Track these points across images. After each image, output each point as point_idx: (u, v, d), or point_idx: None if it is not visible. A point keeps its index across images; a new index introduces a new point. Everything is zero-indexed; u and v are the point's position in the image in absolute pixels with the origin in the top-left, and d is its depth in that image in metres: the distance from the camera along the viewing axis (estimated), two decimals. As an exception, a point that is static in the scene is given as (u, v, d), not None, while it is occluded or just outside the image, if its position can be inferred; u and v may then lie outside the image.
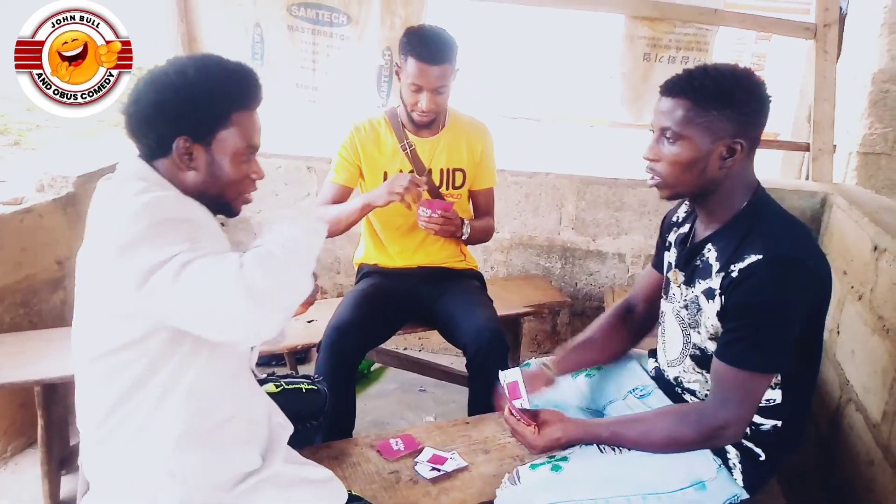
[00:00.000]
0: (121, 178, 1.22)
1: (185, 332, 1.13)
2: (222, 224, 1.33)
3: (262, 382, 1.61)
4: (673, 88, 1.33)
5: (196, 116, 1.20)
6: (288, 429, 1.42)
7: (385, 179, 2.22)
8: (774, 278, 1.26)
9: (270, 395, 1.53)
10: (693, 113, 1.30)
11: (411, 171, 2.16)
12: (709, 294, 1.38)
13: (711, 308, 1.37)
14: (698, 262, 1.43)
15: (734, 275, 1.30)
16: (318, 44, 3.06)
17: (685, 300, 1.46)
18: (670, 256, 1.57)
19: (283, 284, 1.13)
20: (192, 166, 1.22)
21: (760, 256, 1.27)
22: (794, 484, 1.74)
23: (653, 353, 1.68)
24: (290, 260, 1.15)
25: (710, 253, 1.40)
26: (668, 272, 1.56)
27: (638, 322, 1.72)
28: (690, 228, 1.52)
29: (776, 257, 1.27)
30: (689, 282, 1.45)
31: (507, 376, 1.56)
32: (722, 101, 1.29)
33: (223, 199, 1.28)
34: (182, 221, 1.12)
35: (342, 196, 2.24)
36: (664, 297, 1.57)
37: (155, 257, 1.06)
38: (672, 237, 1.58)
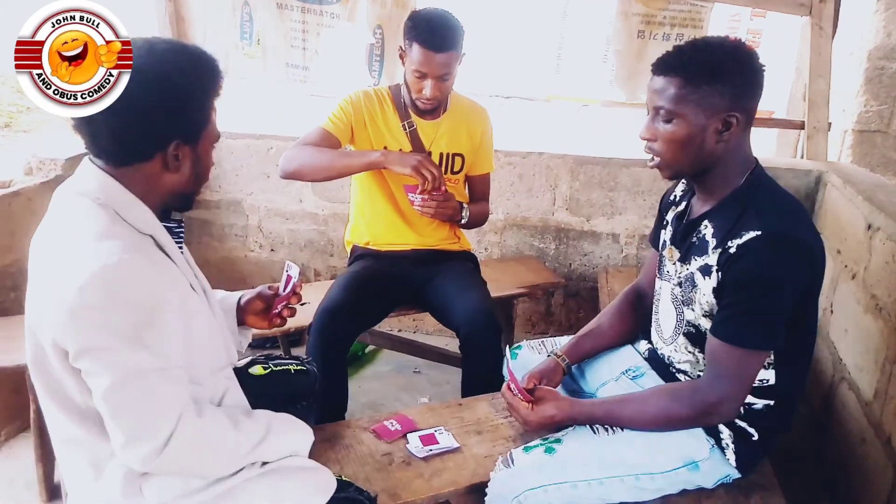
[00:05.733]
0: (80, 198, 1.16)
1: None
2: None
3: (248, 365, 1.60)
4: (663, 66, 1.33)
5: (191, 120, 1.17)
6: None
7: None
8: (771, 254, 1.26)
9: (257, 377, 1.52)
10: (685, 90, 1.29)
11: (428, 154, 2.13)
12: (705, 270, 1.37)
13: (707, 284, 1.37)
14: (694, 239, 1.42)
15: (732, 251, 1.30)
16: (308, 22, 3.02)
17: (679, 277, 1.46)
18: (666, 234, 1.56)
19: (194, 470, 1.20)
20: (178, 167, 1.18)
21: (759, 232, 1.27)
22: (787, 463, 1.75)
23: (646, 335, 1.68)
24: (222, 460, 1.21)
25: (707, 230, 1.39)
26: (663, 250, 1.56)
27: (648, 305, 1.71)
28: (687, 206, 1.51)
29: (774, 234, 1.26)
30: (684, 259, 1.44)
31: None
32: (713, 76, 1.28)
33: (192, 196, 1.26)
34: (137, 308, 1.08)
35: (328, 146, 2.14)
36: (658, 275, 1.57)
37: (98, 341, 1.06)
38: (670, 215, 1.58)
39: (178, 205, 1.25)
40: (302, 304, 2.37)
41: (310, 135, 2.15)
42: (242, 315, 1.51)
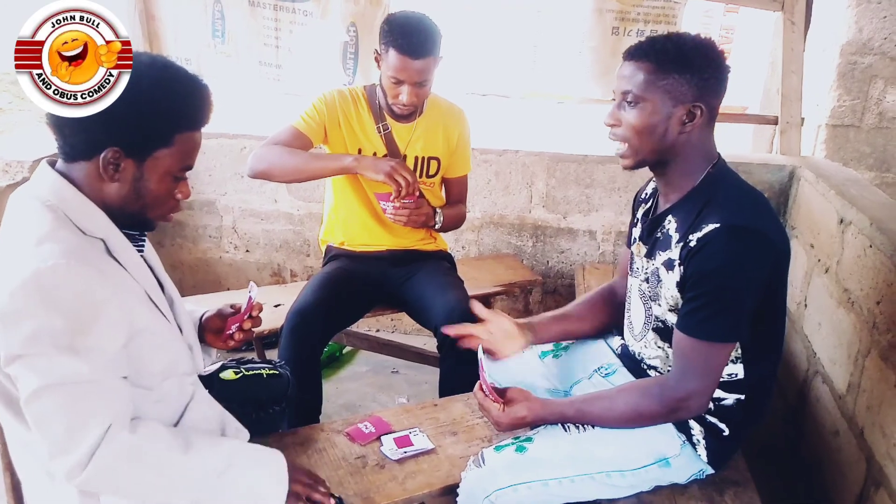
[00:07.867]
0: (30, 201, 1.14)
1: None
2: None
3: (220, 370, 1.57)
4: (635, 53, 1.35)
5: (137, 132, 1.13)
6: (243, 435, 1.39)
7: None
8: (730, 246, 1.26)
9: (229, 382, 1.49)
10: (654, 76, 1.31)
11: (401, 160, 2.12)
12: (668, 265, 1.38)
13: (671, 279, 1.37)
14: (659, 235, 1.43)
15: (692, 244, 1.30)
16: (281, 20, 2.98)
17: (646, 273, 1.46)
18: (636, 232, 1.57)
19: (131, 491, 1.13)
20: (117, 178, 1.15)
21: (718, 225, 1.27)
22: (761, 457, 1.76)
23: (619, 331, 1.67)
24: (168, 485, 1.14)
25: (670, 224, 1.40)
26: (632, 246, 1.56)
27: (622, 303, 1.70)
28: (653, 202, 1.52)
29: (733, 226, 1.27)
30: (649, 254, 1.45)
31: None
32: (682, 65, 1.30)
33: (142, 217, 1.21)
34: (70, 313, 1.05)
35: (299, 146, 2.10)
36: (630, 272, 1.57)
37: (26, 348, 1.04)
38: (640, 213, 1.59)
39: (125, 223, 1.20)
40: (276, 306, 2.35)
41: (280, 134, 2.10)
42: (203, 332, 1.49)
